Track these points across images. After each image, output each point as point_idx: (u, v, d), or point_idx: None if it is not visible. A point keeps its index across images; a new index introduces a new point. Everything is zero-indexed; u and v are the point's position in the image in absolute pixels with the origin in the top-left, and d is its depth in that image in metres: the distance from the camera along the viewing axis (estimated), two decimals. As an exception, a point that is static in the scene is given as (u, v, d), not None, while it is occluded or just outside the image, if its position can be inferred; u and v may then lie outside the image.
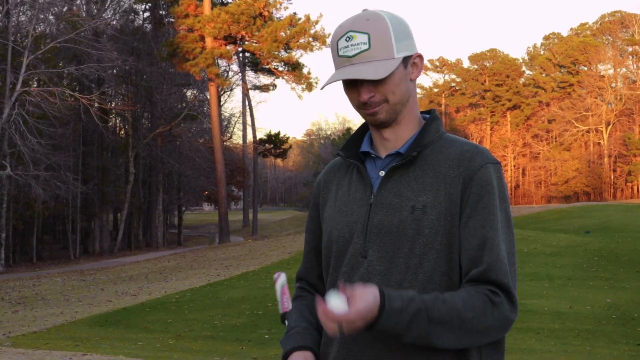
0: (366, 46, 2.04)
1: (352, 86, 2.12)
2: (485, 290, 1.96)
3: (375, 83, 2.06)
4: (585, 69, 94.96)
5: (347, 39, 2.07)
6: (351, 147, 2.25)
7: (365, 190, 2.15)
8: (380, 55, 2.05)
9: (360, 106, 2.12)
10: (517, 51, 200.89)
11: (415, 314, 1.89)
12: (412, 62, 2.13)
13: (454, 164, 2.06)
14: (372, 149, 2.20)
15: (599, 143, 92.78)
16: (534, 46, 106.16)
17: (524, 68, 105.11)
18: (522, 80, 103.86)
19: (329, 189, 2.29)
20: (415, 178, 2.08)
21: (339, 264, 2.15)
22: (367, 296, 1.85)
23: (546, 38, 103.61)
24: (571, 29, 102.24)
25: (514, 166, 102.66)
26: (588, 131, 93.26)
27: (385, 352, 2.02)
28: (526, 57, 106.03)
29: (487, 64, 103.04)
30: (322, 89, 2.20)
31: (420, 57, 2.14)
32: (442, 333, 1.91)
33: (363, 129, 2.28)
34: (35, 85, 40.42)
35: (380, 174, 2.14)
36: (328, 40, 44.88)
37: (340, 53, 2.08)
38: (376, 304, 1.86)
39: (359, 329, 1.87)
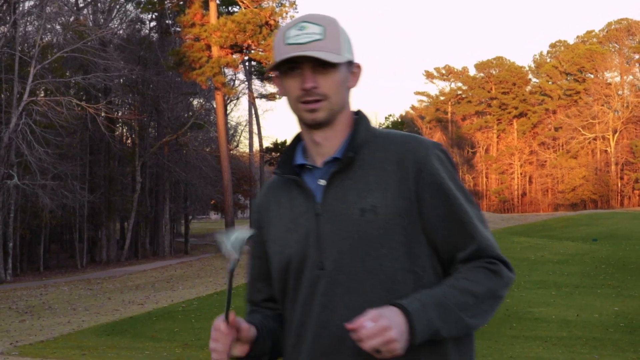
0: (320, 36, 2.02)
1: (292, 75, 2.04)
2: (482, 263, 1.99)
3: (321, 75, 2.01)
4: (592, 76, 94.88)
5: (300, 28, 2.03)
6: (285, 164, 2.17)
7: (308, 202, 2.08)
8: (332, 49, 2.02)
9: (300, 97, 2.04)
10: (524, 59, 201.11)
11: (438, 305, 1.89)
12: (352, 70, 2.12)
13: (397, 159, 2.02)
14: (307, 160, 2.14)
15: (605, 151, 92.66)
16: (540, 54, 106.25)
17: (530, 76, 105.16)
18: (528, 88, 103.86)
19: (270, 209, 2.21)
20: (358, 180, 2.02)
21: (299, 281, 2.08)
22: (381, 310, 1.83)
23: (552, 46, 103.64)
24: (577, 37, 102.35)
25: (521, 174, 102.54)
26: (595, 139, 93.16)
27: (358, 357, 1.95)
28: (532, 65, 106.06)
29: (494, 72, 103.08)
30: (269, 72, 2.13)
31: (359, 67, 2.14)
32: (469, 314, 1.93)
33: (293, 144, 2.21)
34: (42, 95, 40.54)
35: (320, 182, 2.08)
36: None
37: (290, 41, 2.02)
38: (396, 311, 1.84)
39: (399, 344, 1.80)
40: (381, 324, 1.79)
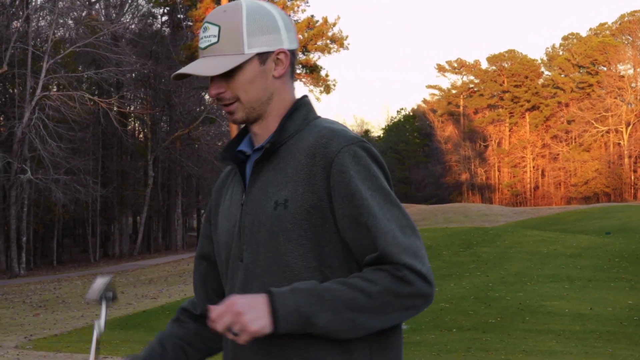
0: (215, 39, 1.96)
1: (211, 81, 2.01)
2: (386, 267, 1.82)
3: (226, 79, 1.97)
4: (605, 69, 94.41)
5: (204, 29, 1.99)
6: (230, 148, 2.12)
7: (241, 191, 2.04)
8: (228, 49, 1.95)
9: (217, 102, 2.02)
10: (536, 52, 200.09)
11: (313, 292, 1.79)
12: (274, 59, 1.99)
13: (310, 152, 1.93)
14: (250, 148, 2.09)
15: (619, 143, 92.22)
16: (553, 47, 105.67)
17: (542, 69, 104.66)
18: (540, 81, 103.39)
19: (222, 193, 2.18)
20: (278, 171, 1.96)
21: (225, 271, 2.06)
22: (243, 296, 1.80)
23: (565, 38, 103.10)
24: (590, 29, 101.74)
25: (533, 167, 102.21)
26: (608, 132, 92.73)
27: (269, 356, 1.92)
28: (545, 58, 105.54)
29: (506, 65, 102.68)
30: (175, 79, 2.07)
31: (284, 53, 2.00)
32: (359, 312, 1.79)
33: (242, 132, 2.16)
34: (54, 90, 40.71)
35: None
36: (345, 43, 45.06)
37: (199, 45, 2.00)
38: (260, 295, 1.79)
39: (246, 316, 1.74)
40: (228, 301, 1.77)
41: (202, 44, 1.99)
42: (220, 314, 1.76)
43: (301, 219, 1.89)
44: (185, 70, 1.98)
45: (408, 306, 1.83)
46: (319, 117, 2.06)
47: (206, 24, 1.99)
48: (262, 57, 1.98)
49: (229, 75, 1.96)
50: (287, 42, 2.01)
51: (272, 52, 1.98)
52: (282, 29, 2.01)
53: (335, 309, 1.77)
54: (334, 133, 1.94)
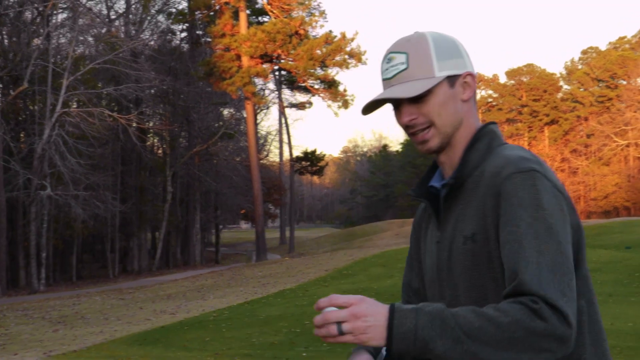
0: (404, 66, 1.96)
1: (397, 110, 2.01)
2: (522, 299, 1.69)
3: (417, 104, 1.96)
4: (624, 82, 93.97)
5: (387, 60, 2.00)
6: (423, 184, 2.13)
7: (436, 227, 2.05)
8: (419, 74, 1.95)
9: (406, 130, 2.01)
10: (555, 66, 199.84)
11: (436, 315, 1.69)
12: (462, 82, 2.00)
13: (487, 182, 1.90)
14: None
15: (639, 157, 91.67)
16: (572, 60, 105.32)
17: (561, 83, 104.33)
18: (559, 95, 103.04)
19: (421, 228, 2.21)
20: (466, 205, 1.94)
21: None
22: (369, 301, 1.74)
23: (584, 52, 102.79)
24: (609, 43, 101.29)
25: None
26: (628, 145, 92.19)
27: None
28: (564, 72, 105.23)
29: (524, 79, 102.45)
30: (364, 114, 2.08)
31: (471, 75, 2.01)
32: (481, 343, 1.66)
33: (435, 164, 2.16)
34: (74, 106, 40.98)
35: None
36: (364, 58, 45.09)
37: (382, 76, 2.01)
38: (384, 306, 1.74)
39: (364, 323, 1.69)
40: (354, 299, 1.72)
41: (389, 73, 1.99)
42: (344, 302, 1.71)
43: (488, 250, 1.86)
44: (379, 96, 1.96)
45: (541, 348, 1.67)
46: (504, 143, 2.03)
47: (390, 55, 2.00)
48: (451, 80, 1.98)
49: (420, 101, 1.96)
50: (471, 67, 2.04)
51: (460, 75, 2.00)
52: (465, 55, 2.03)
53: (457, 338, 1.67)
54: (507, 161, 1.89)
